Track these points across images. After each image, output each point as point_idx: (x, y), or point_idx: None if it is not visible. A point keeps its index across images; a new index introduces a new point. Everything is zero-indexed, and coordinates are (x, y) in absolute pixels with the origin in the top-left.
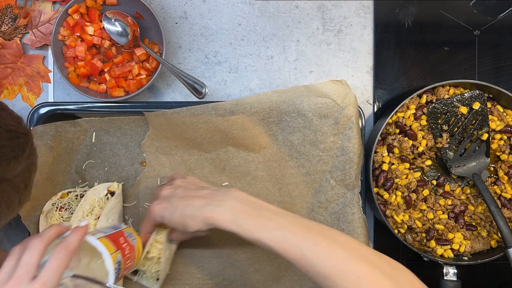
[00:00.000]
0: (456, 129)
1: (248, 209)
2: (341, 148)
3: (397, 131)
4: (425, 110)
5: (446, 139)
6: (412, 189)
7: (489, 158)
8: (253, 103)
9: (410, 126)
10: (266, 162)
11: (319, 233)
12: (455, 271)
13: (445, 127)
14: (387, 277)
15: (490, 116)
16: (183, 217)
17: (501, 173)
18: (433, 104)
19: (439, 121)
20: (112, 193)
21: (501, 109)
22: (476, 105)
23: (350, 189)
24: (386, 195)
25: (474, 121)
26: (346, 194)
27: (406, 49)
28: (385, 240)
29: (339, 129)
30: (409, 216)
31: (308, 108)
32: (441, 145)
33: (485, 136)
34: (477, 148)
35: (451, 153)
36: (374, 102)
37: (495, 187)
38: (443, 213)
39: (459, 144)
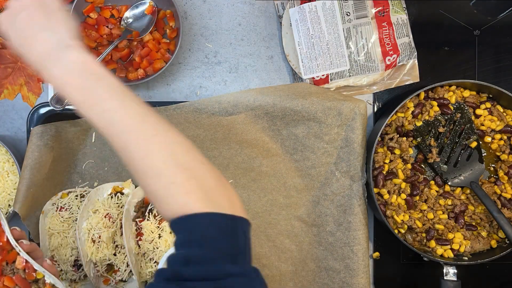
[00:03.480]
0: (445, 139)
1: (80, 81)
2: (345, 139)
3: (396, 135)
4: (423, 109)
5: (436, 153)
6: (413, 190)
7: (483, 164)
8: (256, 96)
9: (410, 125)
10: (271, 157)
11: (153, 127)
12: (455, 271)
13: (432, 143)
14: (203, 190)
15: (489, 116)
16: (20, 52)
17: (501, 173)
18: (415, 127)
19: (426, 137)
20: (119, 193)
21: (501, 109)
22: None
23: (355, 181)
24: (386, 196)
25: (460, 132)
26: (352, 186)
27: None
28: (385, 240)
29: (343, 120)
30: (409, 216)
31: (311, 101)
32: (432, 160)
33: (474, 144)
34: (470, 156)
35: (445, 166)
36: (374, 102)
37: (495, 187)
38: (443, 213)
39: (450, 156)
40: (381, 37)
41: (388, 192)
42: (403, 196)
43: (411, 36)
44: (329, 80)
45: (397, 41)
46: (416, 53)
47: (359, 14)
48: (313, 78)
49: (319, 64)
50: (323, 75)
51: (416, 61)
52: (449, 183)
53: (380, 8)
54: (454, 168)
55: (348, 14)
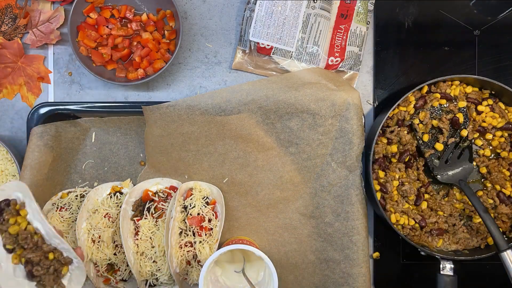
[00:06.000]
0: (442, 137)
1: None
2: (339, 130)
3: (396, 127)
4: (425, 108)
5: (429, 147)
6: (414, 192)
7: (472, 163)
8: (249, 90)
9: (411, 120)
10: (266, 151)
11: None
12: (452, 266)
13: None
14: None
15: (491, 113)
16: None
17: (488, 184)
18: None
19: (424, 133)
20: (118, 193)
21: (503, 106)
22: (462, 104)
23: (351, 171)
24: (383, 180)
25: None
26: (348, 176)
27: (406, 49)
28: (385, 237)
29: (337, 110)
30: (408, 217)
31: (304, 93)
32: (428, 155)
33: (467, 134)
34: (461, 155)
35: (437, 161)
36: (374, 102)
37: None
38: (443, 212)
39: (443, 152)
40: (333, 37)
41: (387, 182)
42: (404, 194)
43: (363, 50)
44: (272, 53)
45: (347, 47)
46: (360, 66)
47: (324, 6)
48: (258, 43)
49: (269, 33)
50: (268, 45)
51: (358, 75)
52: (438, 177)
53: (344, 11)
54: (445, 165)
55: (315, 1)
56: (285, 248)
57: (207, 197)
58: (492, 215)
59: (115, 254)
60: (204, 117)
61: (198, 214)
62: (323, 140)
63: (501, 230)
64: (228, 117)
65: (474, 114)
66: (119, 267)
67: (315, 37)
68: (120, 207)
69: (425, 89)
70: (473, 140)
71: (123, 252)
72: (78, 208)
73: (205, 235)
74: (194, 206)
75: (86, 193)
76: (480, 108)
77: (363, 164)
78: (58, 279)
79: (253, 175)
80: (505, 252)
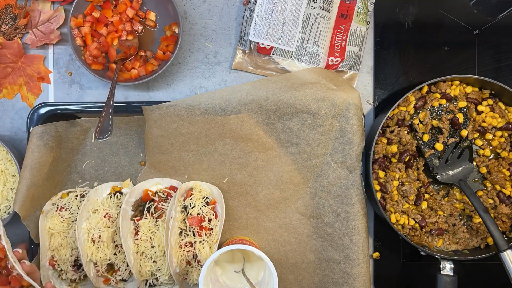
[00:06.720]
0: (442, 137)
1: None
2: (339, 130)
3: (397, 127)
4: (425, 109)
5: (429, 147)
6: (414, 192)
7: (472, 163)
8: (249, 90)
9: (411, 120)
10: (266, 151)
11: None
12: (452, 266)
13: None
14: None
15: (491, 113)
16: None
17: (488, 184)
18: (413, 122)
19: (424, 134)
20: (118, 193)
21: (503, 106)
22: (462, 104)
23: (351, 171)
24: (383, 180)
25: (458, 134)
26: (348, 176)
27: (406, 49)
28: (385, 237)
29: (337, 110)
30: (408, 217)
31: (304, 93)
32: (428, 155)
33: (469, 133)
34: (460, 154)
35: (437, 161)
36: (374, 102)
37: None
38: (443, 212)
39: (443, 152)
40: (333, 37)
41: (387, 182)
42: (404, 193)
43: (363, 50)
44: (272, 53)
45: (347, 47)
46: (360, 66)
47: (324, 6)
48: (258, 43)
49: (269, 33)
50: (268, 45)
51: (358, 75)
52: (438, 177)
53: (344, 11)
54: (445, 165)
55: (315, 1)
56: (285, 248)
57: (207, 197)
58: (492, 215)
59: (115, 254)
60: (204, 117)
61: (198, 214)
62: (323, 140)
63: (501, 230)
64: (228, 117)
65: (474, 114)
66: (119, 267)
67: (315, 37)
68: (120, 207)
69: (425, 89)
70: (473, 140)
71: (123, 252)
72: (78, 208)
73: (205, 235)
74: (194, 206)
75: (86, 193)
76: (480, 108)
77: (363, 164)
78: None
79: (253, 175)
80: (505, 252)
